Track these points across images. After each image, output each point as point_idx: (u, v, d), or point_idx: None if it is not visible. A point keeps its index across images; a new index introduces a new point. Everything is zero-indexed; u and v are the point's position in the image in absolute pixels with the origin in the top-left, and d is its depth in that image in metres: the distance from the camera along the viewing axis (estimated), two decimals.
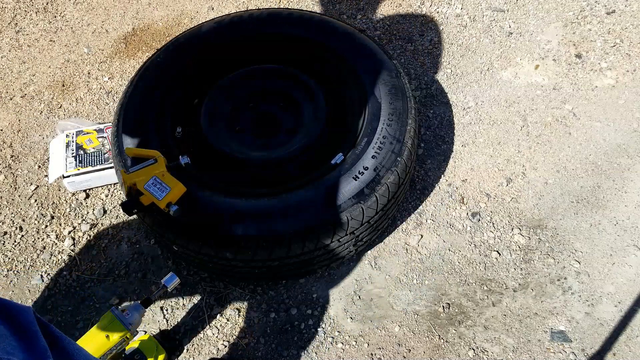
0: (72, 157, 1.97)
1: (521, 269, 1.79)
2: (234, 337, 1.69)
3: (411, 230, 1.88)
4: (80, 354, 1.02)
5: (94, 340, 1.32)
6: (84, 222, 1.94)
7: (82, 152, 1.98)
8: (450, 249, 1.84)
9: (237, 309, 1.74)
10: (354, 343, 1.68)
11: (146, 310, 1.43)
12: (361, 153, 1.54)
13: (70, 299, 1.78)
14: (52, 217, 1.96)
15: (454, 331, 1.69)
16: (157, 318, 1.74)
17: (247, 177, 1.67)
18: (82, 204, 1.98)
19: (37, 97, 2.30)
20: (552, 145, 2.05)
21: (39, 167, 2.09)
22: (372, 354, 1.66)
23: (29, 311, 0.90)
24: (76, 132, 2.03)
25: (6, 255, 1.88)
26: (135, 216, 1.89)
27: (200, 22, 2.02)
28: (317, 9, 2.52)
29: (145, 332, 1.67)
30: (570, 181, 1.97)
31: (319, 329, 1.70)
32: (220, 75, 1.91)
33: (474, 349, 1.66)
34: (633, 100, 2.13)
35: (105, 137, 2.02)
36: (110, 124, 2.04)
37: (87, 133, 2.03)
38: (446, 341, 1.67)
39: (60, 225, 1.94)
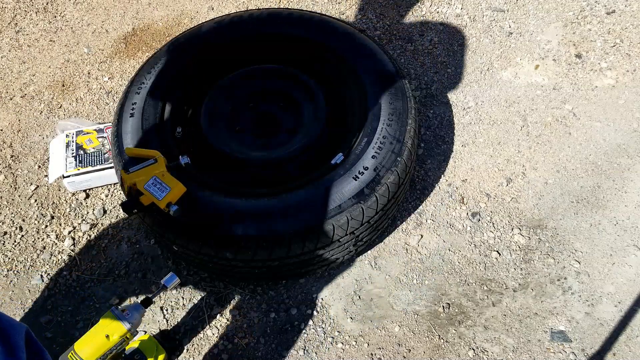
0: (72, 157, 1.97)
1: (521, 269, 1.79)
2: (234, 337, 1.69)
3: (411, 230, 1.88)
4: None
5: (94, 340, 1.32)
6: (84, 222, 1.94)
7: (82, 152, 1.98)
8: (450, 249, 1.84)
9: (237, 309, 1.74)
10: (354, 343, 1.68)
11: (146, 310, 1.43)
12: (361, 153, 1.54)
13: (70, 299, 1.78)
14: (52, 217, 1.96)
15: (454, 331, 1.69)
16: (157, 318, 1.74)
17: (247, 177, 1.67)
18: (82, 204, 1.98)
19: (37, 97, 2.30)
20: (552, 145, 2.05)
21: (39, 167, 2.09)
22: (372, 354, 1.66)
23: (21, 329, 0.90)
24: (76, 132, 2.03)
25: (6, 255, 1.88)
26: (135, 216, 1.89)
27: (200, 22, 2.02)
28: (317, 9, 2.52)
29: (145, 332, 1.67)
30: (570, 181, 1.97)
31: (319, 329, 1.70)
32: (220, 75, 1.91)
33: (474, 349, 1.66)
34: (633, 100, 2.13)
35: (105, 137, 2.02)
36: (110, 124, 2.04)
37: (87, 133, 2.03)
38: (446, 341, 1.67)
39: (60, 225, 1.94)
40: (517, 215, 1.90)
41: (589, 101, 2.15)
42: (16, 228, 1.94)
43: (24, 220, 1.95)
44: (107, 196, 1.99)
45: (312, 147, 1.68)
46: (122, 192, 1.97)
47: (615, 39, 2.29)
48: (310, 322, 1.71)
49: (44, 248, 1.89)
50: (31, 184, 2.05)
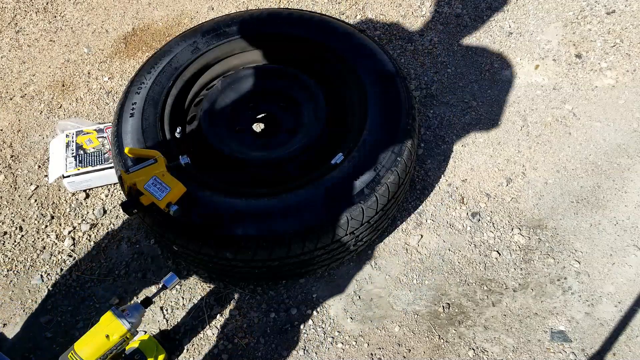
0: (72, 157, 1.97)
1: (521, 269, 1.79)
2: (234, 337, 1.69)
3: (411, 230, 1.88)
4: None
5: (94, 340, 1.32)
6: (84, 222, 1.94)
7: (82, 152, 1.98)
8: (450, 249, 1.84)
9: (237, 309, 1.74)
10: (354, 343, 1.68)
11: (146, 310, 1.43)
12: (361, 153, 1.54)
13: (70, 299, 1.78)
14: (52, 217, 1.96)
15: (454, 331, 1.69)
16: (157, 318, 1.74)
17: (247, 177, 1.67)
18: (82, 204, 1.98)
19: (37, 97, 2.30)
20: (552, 145, 2.05)
21: (39, 167, 2.09)
22: (372, 354, 1.66)
23: None
24: (76, 132, 2.03)
25: (6, 255, 1.88)
26: (135, 216, 1.89)
27: (201, 22, 2.02)
28: (317, 9, 2.52)
29: (145, 332, 1.67)
30: (570, 181, 1.97)
31: (319, 329, 1.70)
32: (220, 75, 1.91)
33: (474, 349, 1.66)
34: (633, 100, 2.13)
35: (105, 137, 2.02)
36: (110, 124, 2.04)
37: (87, 133, 2.03)
38: (446, 341, 1.67)
39: (60, 225, 1.94)
40: (517, 215, 1.90)
41: (589, 101, 2.15)
42: (16, 228, 1.94)
43: (24, 220, 1.95)
44: (107, 196, 1.99)
45: (312, 147, 1.68)
46: (122, 192, 1.97)
47: (615, 39, 2.29)
48: (310, 322, 1.71)
49: (44, 248, 1.89)
50: (31, 184, 2.05)
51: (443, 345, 1.67)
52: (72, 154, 1.98)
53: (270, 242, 1.46)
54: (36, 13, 2.62)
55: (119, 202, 1.98)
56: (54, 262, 1.86)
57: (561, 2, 2.44)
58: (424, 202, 1.94)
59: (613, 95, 2.16)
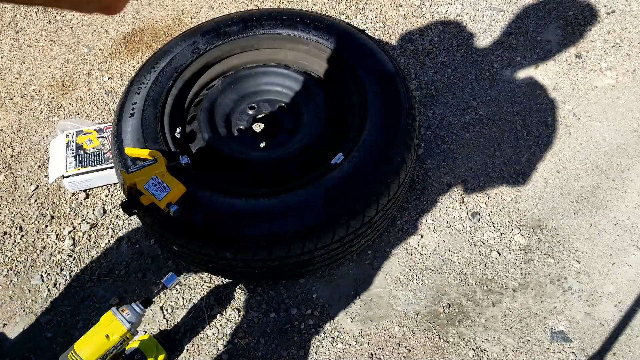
0: (72, 157, 1.97)
1: (521, 269, 1.79)
2: (234, 337, 1.69)
3: (411, 230, 1.88)
4: None
5: (94, 340, 1.32)
6: (84, 222, 1.94)
7: (82, 152, 1.98)
8: (450, 249, 1.84)
9: (237, 309, 1.74)
10: (354, 343, 1.68)
11: (146, 310, 1.43)
12: (361, 153, 1.54)
13: (70, 299, 1.78)
14: (52, 217, 1.96)
15: (454, 331, 1.69)
16: (157, 318, 1.74)
17: (247, 177, 1.67)
18: (82, 204, 1.98)
19: (37, 97, 2.30)
20: (552, 145, 2.05)
21: (39, 167, 2.09)
22: (372, 354, 1.66)
23: None
24: (76, 132, 2.03)
25: (6, 255, 1.88)
26: (135, 216, 1.89)
27: (201, 22, 2.02)
28: (317, 9, 2.52)
29: (145, 332, 1.67)
30: (570, 181, 1.97)
31: (319, 329, 1.70)
32: (220, 75, 1.91)
33: (474, 349, 1.66)
34: (633, 100, 2.13)
35: (105, 137, 2.02)
36: (110, 124, 2.04)
37: (87, 133, 2.03)
38: (446, 341, 1.67)
39: (60, 225, 1.94)
40: (517, 215, 1.90)
41: (589, 101, 2.15)
42: (16, 228, 1.94)
43: (24, 220, 1.95)
44: (107, 196, 1.99)
45: (312, 147, 1.68)
46: (122, 192, 1.97)
47: (615, 39, 2.29)
48: (310, 322, 1.71)
49: (44, 248, 1.89)
50: (31, 184, 2.05)
51: (443, 345, 1.67)
52: (72, 154, 1.98)
53: (270, 242, 1.46)
54: (36, 13, 2.62)
55: (119, 202, 1.98)
56: (54, 262, 1.86)
57: (561, 2, 2.44)
58: (424, 202, 1.94)
59: (613, 95, 2.16)
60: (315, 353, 1.66)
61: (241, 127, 1.83)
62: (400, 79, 1.70)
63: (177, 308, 1.75)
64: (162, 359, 1.57)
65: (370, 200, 1.50)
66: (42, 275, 1.83)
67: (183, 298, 1.77)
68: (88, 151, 1.98)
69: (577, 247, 1.82)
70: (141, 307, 1.41)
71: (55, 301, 1.78)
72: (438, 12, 2.46)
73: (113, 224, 1.93)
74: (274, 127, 1.86)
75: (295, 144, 1.70)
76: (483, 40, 2.36)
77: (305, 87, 1.82)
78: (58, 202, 1.99)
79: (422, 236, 1.87)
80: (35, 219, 1.95)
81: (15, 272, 1.85)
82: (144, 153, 1.52)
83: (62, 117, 2.23)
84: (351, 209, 1.48)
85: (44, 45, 2.49)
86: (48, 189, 2.03)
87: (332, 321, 1.72)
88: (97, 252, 1.87)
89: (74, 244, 1.89)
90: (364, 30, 1.89)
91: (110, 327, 1.34)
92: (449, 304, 1.74)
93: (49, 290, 1.80)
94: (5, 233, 1.93)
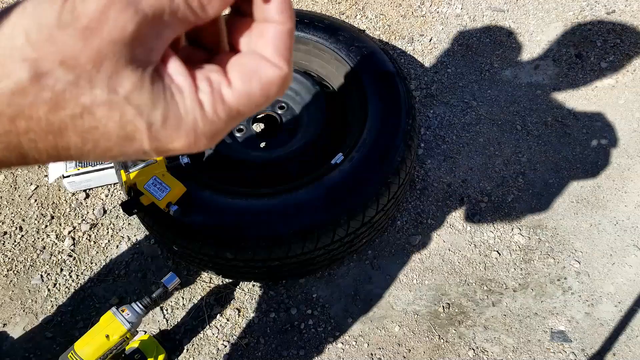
0: None
1: (521, 269, 1.79)
2: (234, 337, 1.69)
3: (411, 230, 1.88)
4: None
5: (94, 340, 1.32)
6: (84, 222, 1.94)
7: None
8: (450, 249, 1.84)
9: (237, 309, 1.74)
10: (354, 343, 1.68)
11: (146, 310, 1.44)
12: (361, 153, 1.54)
13: (70, 299, 1.78)
14: (52, 217, 1.96)
15: (454, 331, 1.69)
16: (157, 318, 1.74)
17: (247, 177, 1.67)
18: (82, 204, 1.98)
19: None
20: (552, 145, 2.05)
21: (39, 167, 2.09)
22: (372, 354, 1.66)
23: None
24: None
25: (6, 255, 1.88)
26: (135, 216, 1.89)
27: None
28: (317, 9, 2.52)
29: (145, 332, 1.67)
30: (570, 181, 1.97)
31: (319, 329, 1.70)
32: None
33: (474, 349, 1.66)
34: (633, 100, 2.13)
35: None
36: None
37: None
38: (446, 341, 1.67)
39: (60, 225, 1.94)
40: (517, 215, 1.90)
41: (589, 101, 2.15)
42: (16, 228, 1.94)
43: (24, 220, 1.95)
44: (107, 196, 1.99)
45: (312, 147, 1.68)
46: (122, 192, 1.97)
47: (615, 39, 2.29)
48: (310, 322, 1.71)
49: (44, 248, 1.89)
50: (31, 184, 2.05)
51: (443, 345, 1.67)
52: None
53: (270, 242, 1.46)
54: None
55: (119, 202, 1.98)
56: (54, 262, 1.86)
57: (561, 2, 2.44)
58: (424, 202, 1.94)
59: (613, 95, 2.16)
60: (315, 353, 1.66)
61: (241, 127, 1.83)
62: (400, 79, 1.70)
63: (177, 308, 1.75)
64: (162, 359, 1.57)
65: (370, 200, 1.50)
66: (42, 275, 1.83)
67: (183, 298, 1.77)
68: None
69: (577, 247, 1.82)
70: (141, 307, 1.42)
71: (55, 301, 1.78)
72: (438, 12, 2.46)
73: (113, 224, 1.93)
74: (274, 127, 1.86)
75: (295, 144, 1.70)
76: (483, 40, 2.36)
77: (305, 87, 1.82)
78: (58, 202, 1.99)
79: (422, 236, 1.87)
80: (35, 219, 1.95)
81: (15, 272, 1.85)
82: None
83: None
84: (351, 209, 1.48)
85: None
86: (48, 189, 2.03)
87: (332, 321, 1.72)
88: (97, 252, 1.87)
89: (74, 244, 1.89)
90: (364, 30, 1.89)
91: (110, 327, 1.34)
92: (449, 304, 1.74)
93: (49, 290, 1.80)
94: (5, 233, 1.93)
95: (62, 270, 1.84)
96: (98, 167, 1.96)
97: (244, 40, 0.34)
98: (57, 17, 0.27)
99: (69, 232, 1.91)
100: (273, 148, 1.75)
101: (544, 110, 2.14)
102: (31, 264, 1.86)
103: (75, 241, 1.90)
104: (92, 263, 1.85)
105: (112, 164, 1.95)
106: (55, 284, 1.81)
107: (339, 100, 1.81)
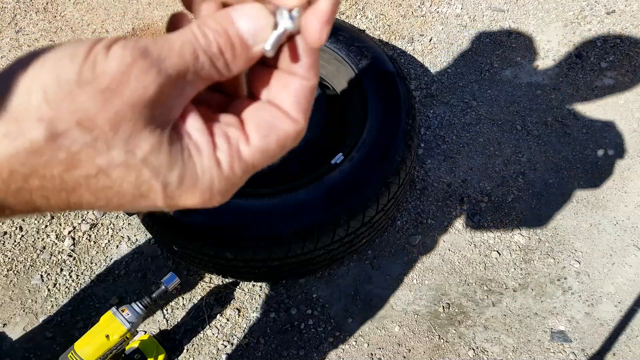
0: None
1: (521, 269, 1.79)
2: (234, 337, 1.69)
3: (411, 230, 1.88)
4: None
5: (94, 340, 1.32)
6: (84, 222, 1.94)
7: None
8: (450, 249, 1.84)
9: (237, 309, 1.74)
10: (354, 343, 1.68)
11: (146, 310, 1.44)
12: (361, 153, 1.54)
13: (70, 299, 1.78)
14: (52, 217, 1.96)
15: (454, 331, 1.69)
16: (157, 318, 1.74)
17: None
18: None
19: None
20: (552, 145, 2.05)
21: None
22: (372, 354, 1.66)
23: None
24: None
25: (6, 255, 1.88)
26: (135, 216, 1.89)
27: None
28: None
29: (145, 332, 1.67)
30: (570, 181, 1.97)
31: (319, 329, 1.70)
32: None
33: (474, 349, 1.66)
34: (633, 100, 2.13)
35: None
36: None
37: None
38: (446, 341, 1.67)
39: (60, 225, 1.94)
40: (517, 215, 1.90)
41: (589, 101, 2.15)
42: (16, 228, 1.94)
43: (24, 220, 1.95)
44: None
45: (312, 147, 1.68)
46: None
47: (615, 39, 2.29)
48: (310, 322, 1.71)
49: (44, 248, 1.89)
50: None
51: (443, 345, 1.67)
52: None
53: (270, 242, 1.46)
54: (36, 13, 2.62)
55: None
56: (54, 262, 1.86)
57: (561, 2, 2.44)
58: (424, 202, 1.94)
59: (613, 95, 2.16)
60: (315, 353, 1.66)
61: None
62: (400, 79, 1.70)
63: (177, 308, 1.75)
64: (162, 359, 1.57)
65: (370, 200, 1.50)
66: (42, 275, 1.83)
67: (183, 298, 1.77)
68: None
69: (577, 247, 1.82)
70: (141, 307, 1.42)
71: (55, 301, 1.78)
72: (438, 12, 2.46)
73: (113, 224, 1.93)
74: None
75: None
76: (483, 40, 2.36)
77: None
78: None
79: (422, 236, 1.87)
80: (35, 219, 1.95)
81: (15, 272, 1.85)
82: None
83: None
84: (351, 209, 1.48)
85: (44, 45, 2.48)
86: None
87: (332, 321, 1.72)
88: (97, 252, 1.87)
89: (74, 244, 1.89)
90: (364, 30, 1.89)
91: (110, 327, 1.34)
92: (449, 304, 1.74)
93: (49, 290, 1.80)
94: (5, 233, 1.93)
95: (62, 270, 1.84)
96: None
97: (264, 88, 0.34)
98: (77, 73, 0.26)
99: (69, 232, 1.91)
100: None
101: (544, 110, 2.14)
102: (31, 264, 1.86)
103: (75, 241, 1.90)
104: (92, 263, 1.85)
105: None
106: (55, 284, 1.81)
107: (339, 100, 1.81)
